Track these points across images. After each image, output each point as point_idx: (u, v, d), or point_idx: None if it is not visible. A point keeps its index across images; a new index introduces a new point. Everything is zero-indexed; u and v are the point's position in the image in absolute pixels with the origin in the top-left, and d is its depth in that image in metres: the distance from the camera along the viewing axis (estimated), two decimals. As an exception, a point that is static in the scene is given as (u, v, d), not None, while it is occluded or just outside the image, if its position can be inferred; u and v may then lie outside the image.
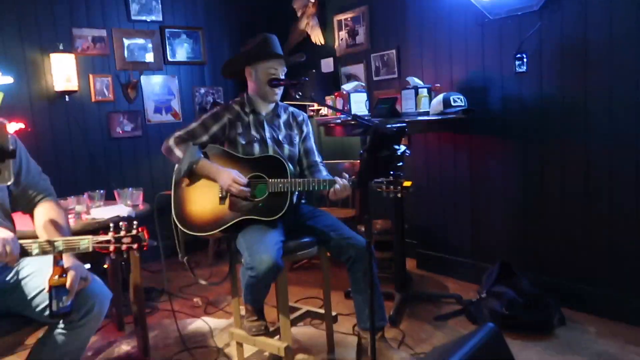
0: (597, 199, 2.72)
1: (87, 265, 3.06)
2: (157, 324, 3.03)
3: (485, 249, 3.32)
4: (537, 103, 2.91)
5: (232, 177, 2.18)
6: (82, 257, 2.14)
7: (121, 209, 2.48)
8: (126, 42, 4.19)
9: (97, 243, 1.52)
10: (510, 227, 3.16)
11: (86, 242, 1.52)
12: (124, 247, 1.52)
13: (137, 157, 4.31)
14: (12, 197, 1.76)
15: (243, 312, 2.31)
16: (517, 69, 2.96)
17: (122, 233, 1.53)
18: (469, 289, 3.23)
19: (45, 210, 1.75)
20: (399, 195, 1.86)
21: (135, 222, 1.56)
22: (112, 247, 1.52)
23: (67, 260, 1.58)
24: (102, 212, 2.41)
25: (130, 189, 2.62)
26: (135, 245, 1.53)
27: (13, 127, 3.50)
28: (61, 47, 3.80)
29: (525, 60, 2.93)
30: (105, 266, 3.03)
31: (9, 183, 1.24)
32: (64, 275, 1.52)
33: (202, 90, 4.63)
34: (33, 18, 3.79)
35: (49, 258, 1.56)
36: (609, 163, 2.65)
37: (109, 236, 1.53)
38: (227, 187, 2.19)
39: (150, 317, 3.08)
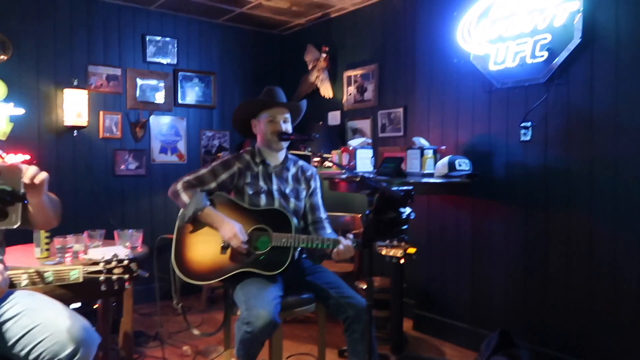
0: (601, 269, 2.69)
1: (77, 304, 3.00)
2: (143, 371, 2.93)
3: (484, 314, 3.26)
4: (542, 171, 2.94)
5: (234, 231, 2.16)
6: (75, 293, 2.10)
7: (119, 251, 2.44)
8: (139, 82, 4.27)
9: (88, 273, 1.53)
10: (511, 294, 3.11)
11: (77, 273, 1.53)
12: (114, 277, 1.54)
13: (138, 196, 4.30)
14: None
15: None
16: (522, 137, 3.01)
17: (113, 264, 1.55)
18: (466, 357, 3.15)
19: None
20: (402, 261, 1.84)
21: (126, 255, 1.59)
22: (102, 277, 1.53)
23: None
24: (100, 253, 2.37)
25: (130, 230, 2.60)
26: (126, 276, 1.55)
27: (19, 158, 3.51)
28: (75, 83, 3.87)
29: (530, 129, 2.98)
30: (96, 306, 2.96)
31: (15, 226, 1.25)
32: None
33: (209, 134, 4.68)
34: (51, 51, 3.87)
35: (40, 296, 1.57)
36: (614, 233, 2.64)
37: (100, 266, 1.54)
38: (227, 239, 2.18)
39: (137, 364, 2.98)
